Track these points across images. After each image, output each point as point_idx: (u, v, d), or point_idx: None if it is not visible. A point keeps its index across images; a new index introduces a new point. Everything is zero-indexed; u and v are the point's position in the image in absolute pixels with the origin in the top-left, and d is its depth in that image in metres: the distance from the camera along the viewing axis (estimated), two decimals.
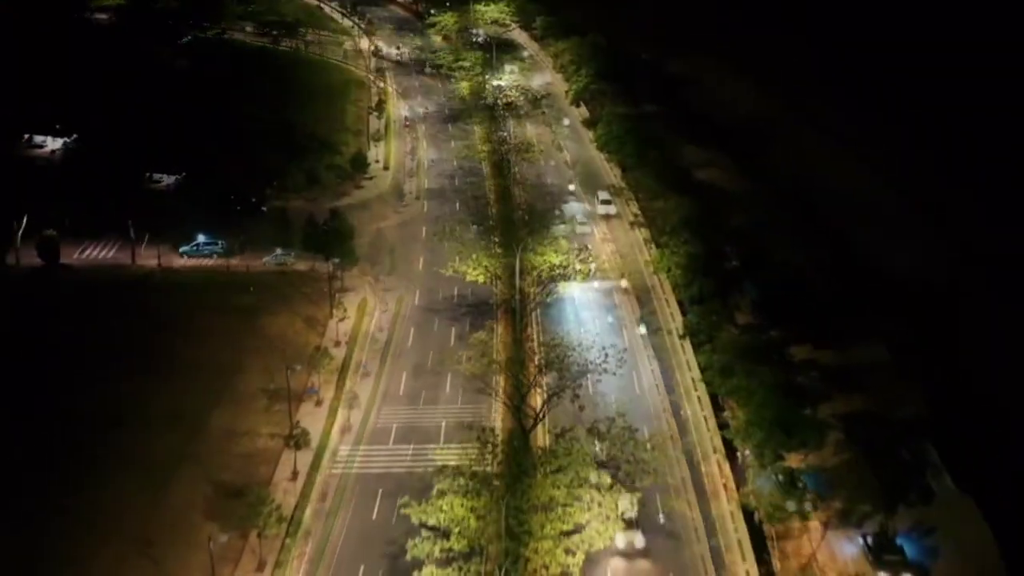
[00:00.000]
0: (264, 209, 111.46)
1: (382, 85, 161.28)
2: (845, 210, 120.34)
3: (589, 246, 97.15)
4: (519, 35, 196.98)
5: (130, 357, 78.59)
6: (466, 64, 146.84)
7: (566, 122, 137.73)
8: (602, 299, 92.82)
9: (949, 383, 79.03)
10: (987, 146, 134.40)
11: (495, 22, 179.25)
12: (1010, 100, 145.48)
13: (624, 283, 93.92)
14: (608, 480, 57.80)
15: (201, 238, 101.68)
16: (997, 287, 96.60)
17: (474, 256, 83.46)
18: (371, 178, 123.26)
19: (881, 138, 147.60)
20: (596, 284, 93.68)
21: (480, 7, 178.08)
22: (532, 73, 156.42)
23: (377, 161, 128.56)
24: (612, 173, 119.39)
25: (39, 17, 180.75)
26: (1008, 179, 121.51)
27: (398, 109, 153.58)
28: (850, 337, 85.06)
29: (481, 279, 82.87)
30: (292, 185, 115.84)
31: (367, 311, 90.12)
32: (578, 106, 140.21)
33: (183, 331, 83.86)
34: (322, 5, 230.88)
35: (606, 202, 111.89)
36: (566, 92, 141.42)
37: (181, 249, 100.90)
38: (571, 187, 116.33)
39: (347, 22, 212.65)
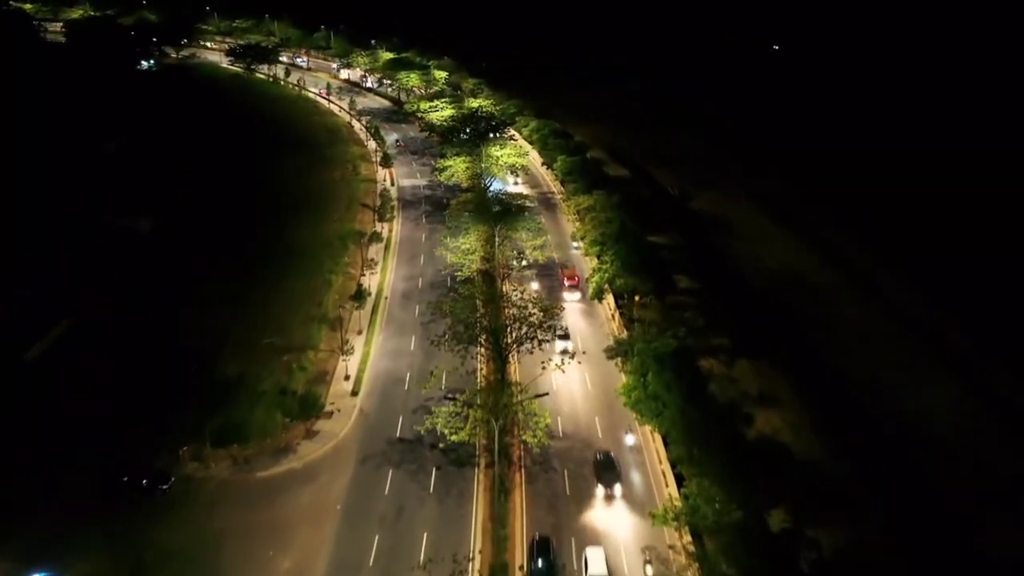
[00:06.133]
0: (167, 487, 62.74)
1: (379, 243, 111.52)
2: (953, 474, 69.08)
3: None
4: (538, 170, 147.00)
5: None
6: (466, 247, 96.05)
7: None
8: None
9: None
10: None
11: (512, 169, 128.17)
12: None
13: None
14: None
15: None
16: None
17: None
18: (331, 413, 73.53)
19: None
20: None
21: (494, 150, 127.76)
22: (547, 239, 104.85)
23: (347, 377, 78.85)
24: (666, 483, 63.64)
25: None
26: None
27: (393, 272, 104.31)
28: None
29: None
30: (216, 437, 66.64)
31: None
32: (600, 300, 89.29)
33: None
34: (352, 122, 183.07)
35: None
36: (587, 279, 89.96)
37: None
38: None
39: (371, 144, 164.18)
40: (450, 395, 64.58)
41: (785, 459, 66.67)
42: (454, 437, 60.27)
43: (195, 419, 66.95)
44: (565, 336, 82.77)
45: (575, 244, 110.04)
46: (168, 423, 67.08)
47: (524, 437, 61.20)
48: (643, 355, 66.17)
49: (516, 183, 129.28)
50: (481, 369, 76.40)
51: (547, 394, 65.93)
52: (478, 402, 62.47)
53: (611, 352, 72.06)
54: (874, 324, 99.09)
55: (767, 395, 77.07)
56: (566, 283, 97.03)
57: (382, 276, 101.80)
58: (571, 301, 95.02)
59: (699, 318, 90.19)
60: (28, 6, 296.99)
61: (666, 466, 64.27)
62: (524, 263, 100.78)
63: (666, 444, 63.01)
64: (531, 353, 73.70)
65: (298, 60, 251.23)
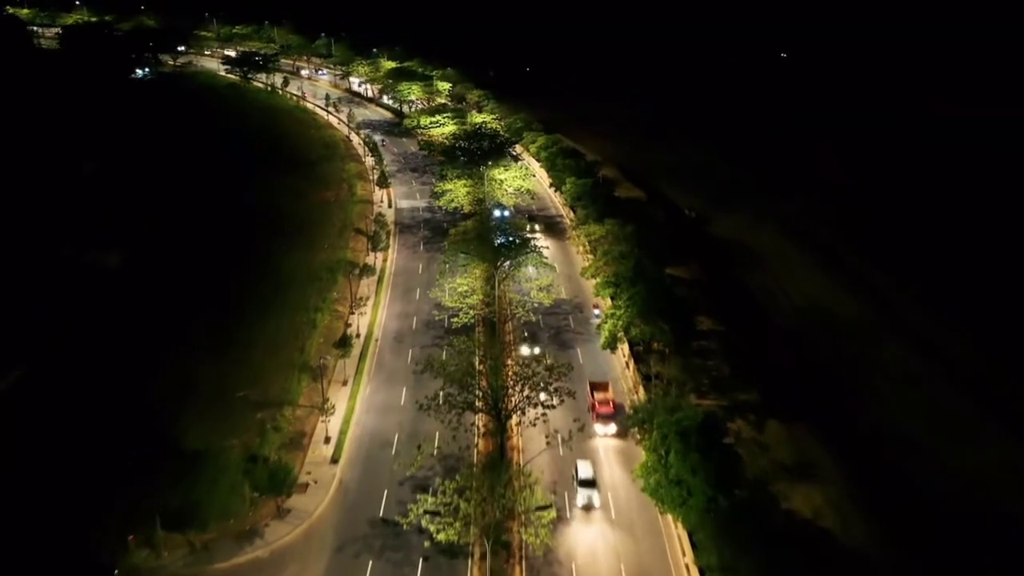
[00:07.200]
0: None
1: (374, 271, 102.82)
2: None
3: None
4: (545, 192, 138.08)
5: None
6: (464, 288, 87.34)
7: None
8: None
9: None
10: None
11: (518, 191, 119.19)
12: None
13: None
14: None
15: None
16: None
17: None
18: (306, 485, 64.68)
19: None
20: None
21: (498, 174, 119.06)
22: (552, 275, 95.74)
23: (327, 440, 70.03)
24: None
25: None
26: None
27: (385, 309, 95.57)
28: None
29: None
30: (172, 519, 58.01)
31: None
32: (613, 350, 79.98)
33: None
34: (351, 136, 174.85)
35: None
36: (598, 326, 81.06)
37: None
38: None
39: (369, 160, 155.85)
40: (434, 510, 53.80)
41: (829, 550, 57.51)
42: (441, 536, 51.27)
43: (148, 496, 58.40)
44: (590, 483, 61.19)
45: (596, 311, 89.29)
46: (115, 502, 58.44)
47: (526, 537, 52.09)
48: (664, 429, 57.07)
49: (535, 232, 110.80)
50: (477, 444, 67.21)
51: (550, 506, 55.16)
52: (472, 486, 53.45)
53: (626, 420, 62.66)
54: (901, 359, 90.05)
55: (803, 464, 67.87)
56: (598, 408, 70.12)
57: (373, 314, 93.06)
58: (603, 435, 69.00)
59: (724, 366, 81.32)
60: (25, 11, 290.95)
61: (690, 559, 55.10)
62: (536, 349, 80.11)
63: (693, 544, 53.82)
64: (533, 425, 64.79)
65: (319, 73, 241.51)
